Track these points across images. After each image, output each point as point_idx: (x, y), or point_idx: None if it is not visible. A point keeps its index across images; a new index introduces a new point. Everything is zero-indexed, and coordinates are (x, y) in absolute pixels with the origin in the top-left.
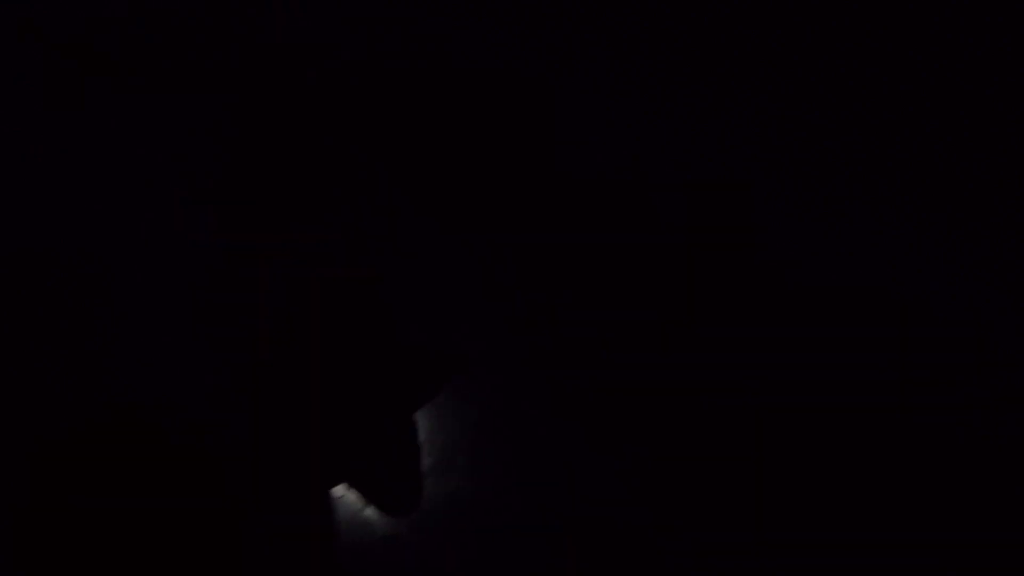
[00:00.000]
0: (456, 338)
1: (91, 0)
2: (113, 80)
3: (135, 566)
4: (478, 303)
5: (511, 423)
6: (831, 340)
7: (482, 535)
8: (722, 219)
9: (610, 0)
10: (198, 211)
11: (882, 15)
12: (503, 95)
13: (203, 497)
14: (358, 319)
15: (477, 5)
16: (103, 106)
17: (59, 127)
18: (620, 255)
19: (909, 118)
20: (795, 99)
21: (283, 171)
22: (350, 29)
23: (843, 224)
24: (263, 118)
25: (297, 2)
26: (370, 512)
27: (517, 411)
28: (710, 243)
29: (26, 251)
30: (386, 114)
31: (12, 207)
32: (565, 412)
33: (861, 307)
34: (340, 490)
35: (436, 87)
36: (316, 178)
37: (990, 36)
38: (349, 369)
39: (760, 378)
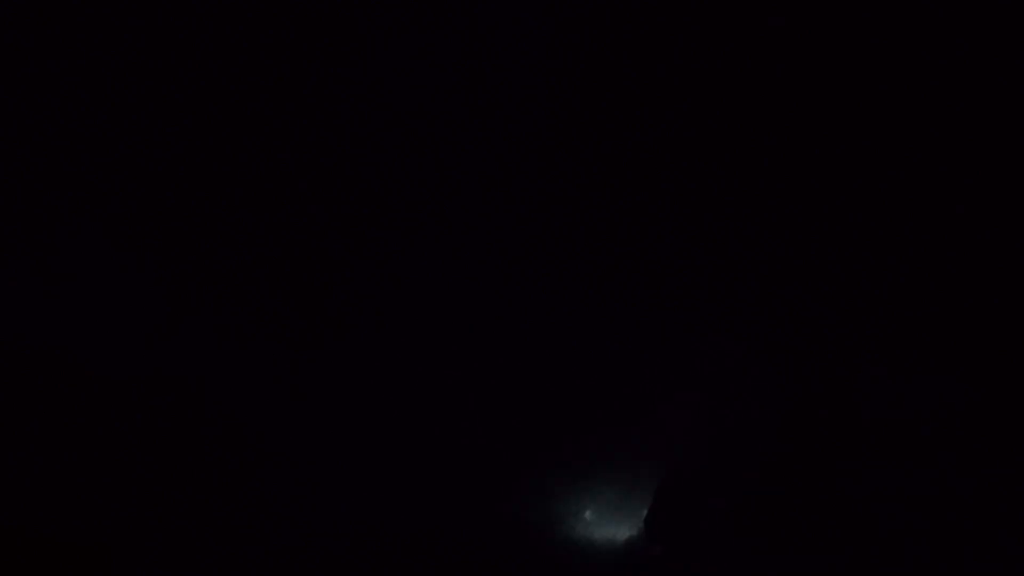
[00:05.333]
0: (457, 338)
1: None
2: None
3: None
4: (480, 303)
5: (512, 428)
6: (831, 339)
7: (486, 537)
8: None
9: None
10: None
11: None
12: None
13: None
14: None
15: None
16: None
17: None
18: (621, 254)
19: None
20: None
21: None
22: None
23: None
24: None
25: None
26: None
27: (517, 415)
28: (710, 242)
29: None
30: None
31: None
32: (565, 413)
33: (861, 306)
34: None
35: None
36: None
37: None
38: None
39: (765, 379)
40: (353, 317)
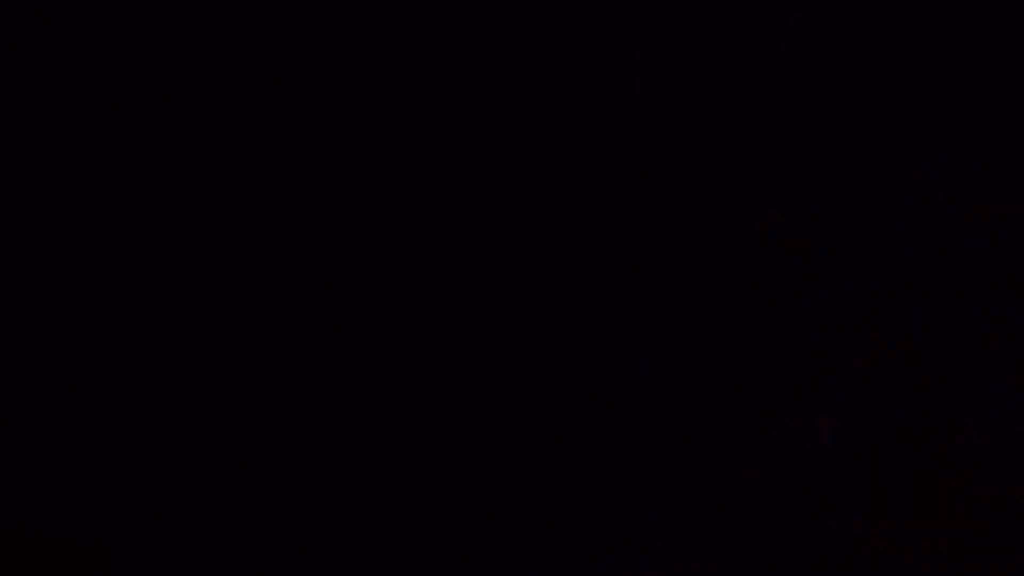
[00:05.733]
0: (454, 338)
1: None
2: None
3: None
4: (472, 302)
5: (510, 428)
6: (831, 338)
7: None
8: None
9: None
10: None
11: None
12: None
13: None
14: None
15: None
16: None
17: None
18: (620, 254)
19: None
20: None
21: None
22: None
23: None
24: None
25: None
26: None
27: (515, 412)
28: (709, 239)
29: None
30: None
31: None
32: (564, 416)
33: (861, 305)
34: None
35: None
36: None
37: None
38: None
39: (762, 379)
40: (353, 317)
